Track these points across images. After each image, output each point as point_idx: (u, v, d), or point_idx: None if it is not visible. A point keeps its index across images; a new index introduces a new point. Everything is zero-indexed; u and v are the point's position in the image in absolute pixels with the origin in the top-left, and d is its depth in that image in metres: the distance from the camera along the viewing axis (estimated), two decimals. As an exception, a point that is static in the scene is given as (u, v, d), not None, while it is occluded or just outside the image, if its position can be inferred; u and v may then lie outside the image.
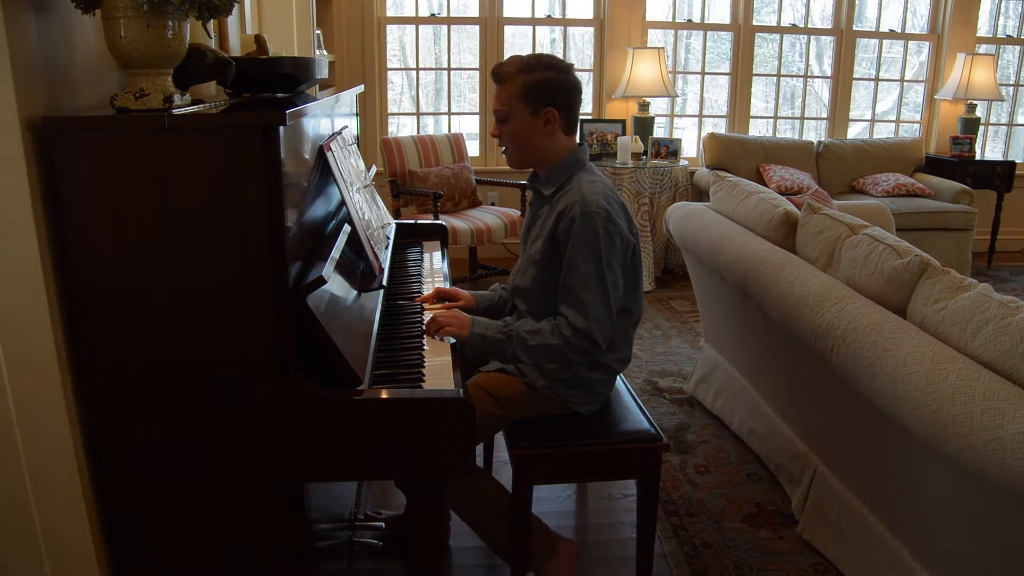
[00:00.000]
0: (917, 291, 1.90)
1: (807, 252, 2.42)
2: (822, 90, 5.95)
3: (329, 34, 4.73)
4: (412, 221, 2.85)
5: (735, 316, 2.81)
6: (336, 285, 1.63)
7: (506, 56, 2.16)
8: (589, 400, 1.99)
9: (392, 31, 5.40)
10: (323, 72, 2.00)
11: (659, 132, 5.44)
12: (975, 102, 5.56)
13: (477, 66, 5.44)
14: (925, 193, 5.08)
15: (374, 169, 2.71)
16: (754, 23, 5.56)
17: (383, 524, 2.19)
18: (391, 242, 2.33)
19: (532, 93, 1.85)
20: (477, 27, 5.34)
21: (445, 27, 5.40)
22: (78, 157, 1.31)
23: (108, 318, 1.38)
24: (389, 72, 5.36)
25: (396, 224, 2.64)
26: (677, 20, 5.59)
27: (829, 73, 5.79)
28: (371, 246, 1.93)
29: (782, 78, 5.82)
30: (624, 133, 5.27)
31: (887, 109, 6.14)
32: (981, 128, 5.74)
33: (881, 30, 5.81)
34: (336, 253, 1.66)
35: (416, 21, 5.37)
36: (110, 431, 1.44)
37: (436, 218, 4.18)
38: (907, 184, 5.10)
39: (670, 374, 3.55)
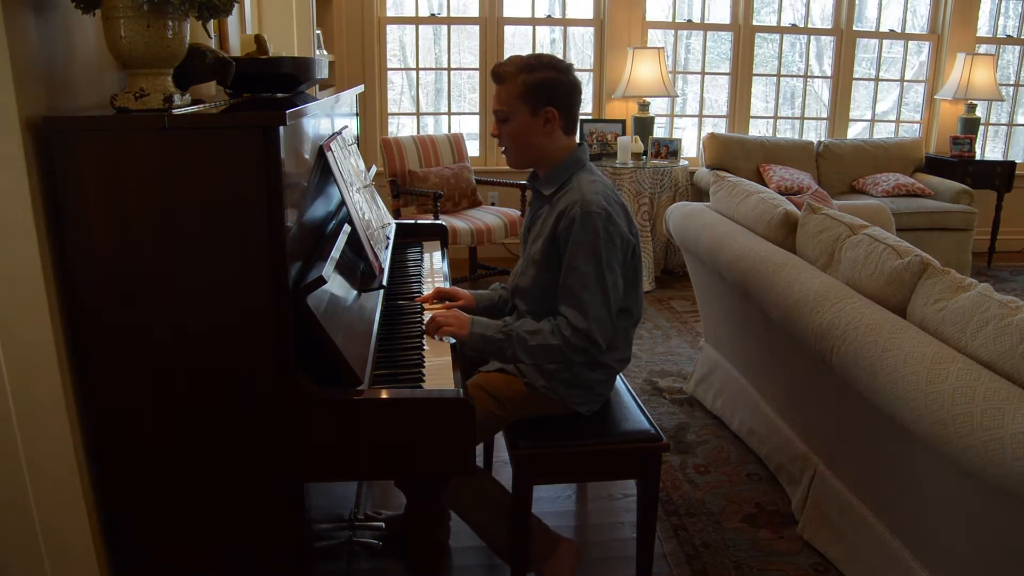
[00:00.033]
0: (917, 291, 1.90)
1: (807, 252, 2.42)
2: (822, 90, 5.95)
3: (329, 34, 4.73)
4: (412, 221, 2.85)
5: (735, 316, 2.81)
6: (336, 285, 1.63)
7: (506, 56, 2.16)
8: (589, 400, 1.99)
9: (392, 31, 5.40)
10: (323, 72, 2.00)
11: (659, 132, 5.44)
12: (975, 102, 5.56)
13: (477, 66, 5.44)
14: (925, 193, 5.08)
15: (374, 169, 2.71)
16: (754, 23, 5.56)
17: (383, 524, 2.19)
18: (391, 242, 2.33)
19: (532, 93, 1.85)
20: (477, 27, 5.35)
21: (445, 27, 5.40)
22: (78, 157, 1.31)
23: (108, 318, 1.37)
24: (389, 72, 5.36)
25: (396, 224, 2.64)
26: (677, 20, 5.59)
27: (829, 73, 5.79)
28: (371, 246, 1.93)
29: (782, 78, 5.82)
30: (624, 133, 5.27)
31: (887, 109, 6.14)
32: (981, 128, 5.74)
33: (881, 30, 5.81)
34: (336, 253, 1.66)
35: (416, 21, 5.37)
36: (110, 431, 1.44)
37: (436, 218, 4.18)
38: (907, 184, 5.10)
39: (670, 374, 3.55)
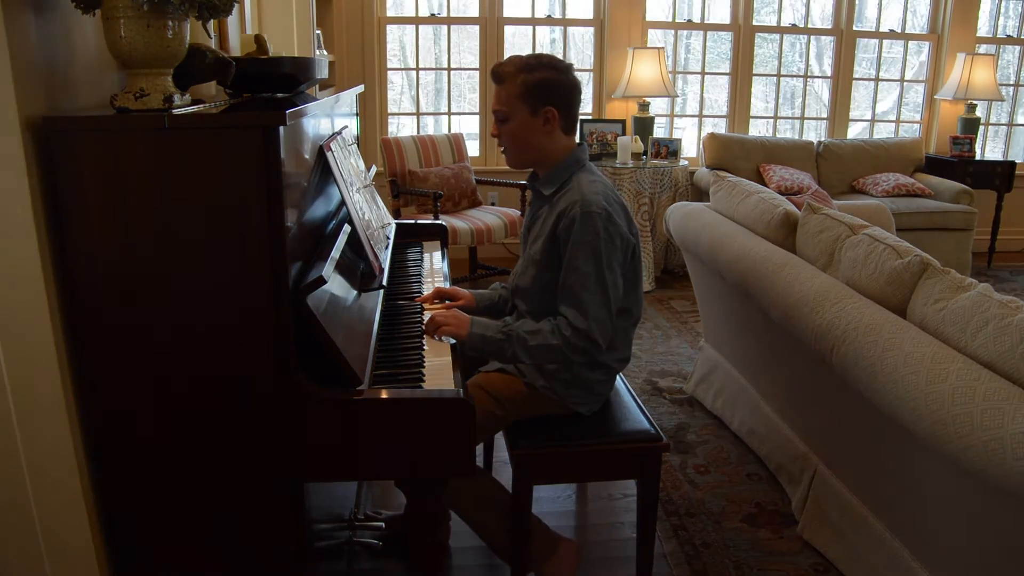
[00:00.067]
0: (917, 291, 1.90)
1: (807, 252, 2.42)
2: (822, 90, 5.95)
3: (329, 34, 4.73)
4: (412, 221, 2.85)
5: (735, 316, 2.81)
6: (336, 285, 1.63)
7: (506, 56, 2.16)
8: (589, 400, 1.99)
9: (392, 31, 5.40)
10: (323, 72, 2.00)
11: (659, 132, 5.44)
12: (975, 102, 5.56)
13: (477, 66, 5.44)
14: (925, 193, 5.08)
15: (374, 169, 2.71)
16: (754, 23, 5.56)
17: (383, 524, 2.19)
18: (391, 242, 2.33)
19: (531, 93, 1.85)
20: (477, 27, 5.35)
21: (445, 27, 5.40)
22: (78, 157, 1.31)
23: (108, 318, 1.38)
24: (389, 72, 5.36)
25: (396, 224, 2.64)
26: (677, 20, 5.59)
27: (829, 73, 5.79)
28: (371, 246, 1.93)
29: (782, 78, 5.82)
30: (624, 133, 5.27)
31: (887, 109, 6.14)
32: (981, 128, 5.74)
33: (881, 30, 5.81)
34: (336, 253, 1.66)
35: (416, 21, 5.37)
36: (110, 431, 1.44)
37: (436, 218, 4.18)
38: (907, 184, 5.10)
39: (670, 374, 3.55)
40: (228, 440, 1.46)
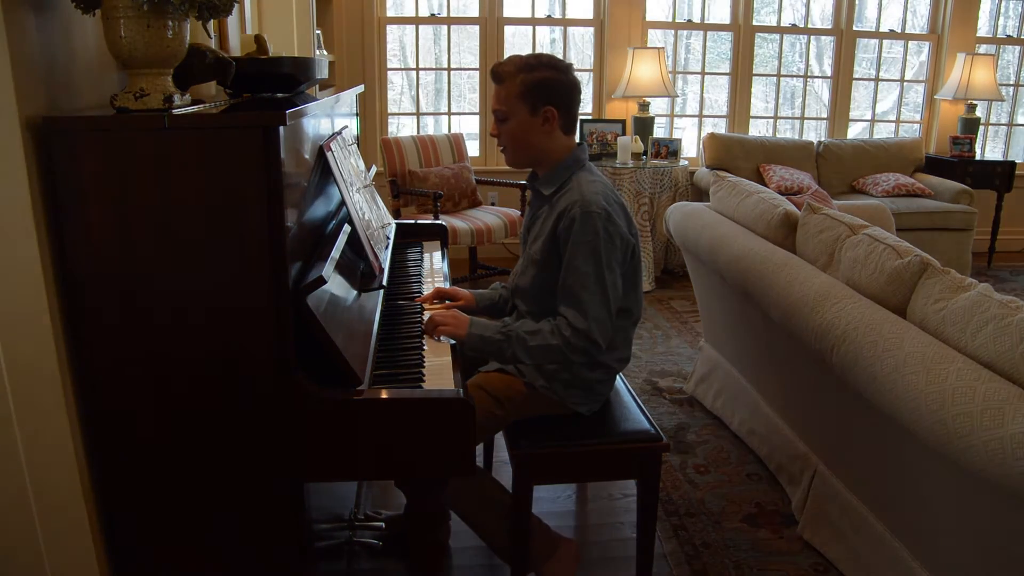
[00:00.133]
0: (917, 291, 1.90)
1: (807, 252, 2.42)
2: (822, 90, 5.95)
3: (329, 34, 4.73)
4: (412, 221, 2.85)
5: (735, 316, 2.81)
6: (336, 285, 1.63)
7: (506, 56, 2.16)
8: (589, 400, 1.99)
9: (392, 31, 5.40)
10: (323, 72, 2.00)
11: (659, 132, 5.44)
12: (975, 102, 5.56)
13: (477, 66, 5.44)
14: (925, 193, 5.08)
15: (374, 169, 2.71)
16: (754, 23, 5.56)
17: (383, 524, 2.19)
18: (391, 242, 2.33)
19: (531, 92, 1.85)
20: (477, 27, 5.35)
21: (445, 27, 5.40)
22: (78, 157, 1.31)
23: (108, 318, 1.37)
24: (389, 72, 5.37)
25: (396, 224, 2.64)
26: (677, 20, 5.59)
27: (829, 73, 5.79)
28: (371, 246, 1.93)
29: (782, 78, 5.82)
30: (624, 133, 5.27)
31: (887, 109, 6.14)
32: (981, 128, 5.74)
33: (881, 30, 5.81)
34: (336, 253, 1.66)
35: (416, 21, 5.37)
36: (110, 431, 1.44)
37: (436, 218, 4.18)
38: (907, 184, 5.10)
39: (670, 374, 3.55)
40: (228, 440, 1.46)
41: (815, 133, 5.88)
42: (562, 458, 1.91)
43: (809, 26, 5.76)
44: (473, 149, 5.40)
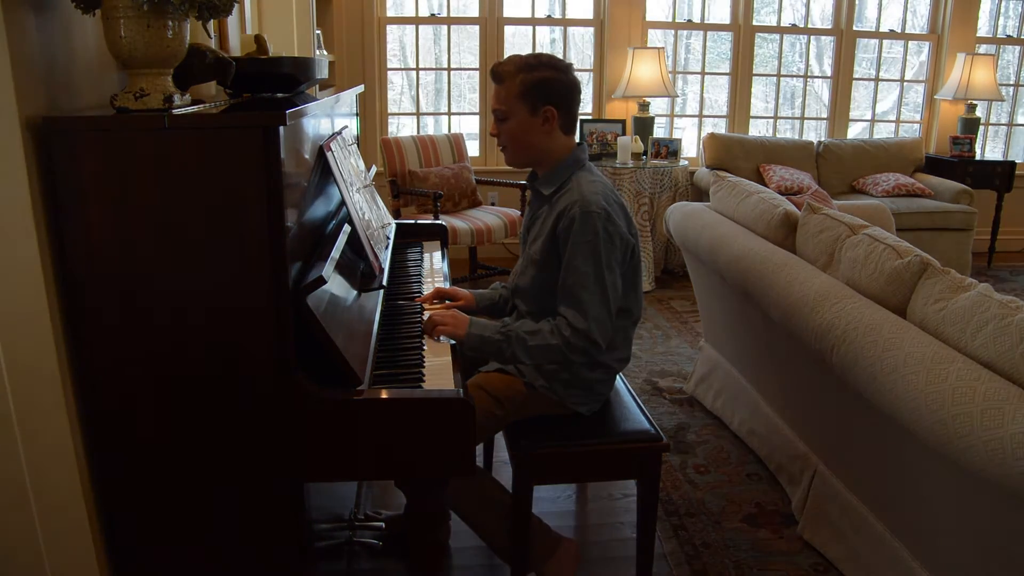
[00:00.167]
0: (917, 291, 1.90)
1: (807, 252, 2.42)
2: (822, 90, 5.95)
3: (329, 34, 4.73)
4: (412, 221, 2.85)
5: (735, 316, 2.81)
6: (336, 285, 1.63)
7: (506, 56, 2.16)
8: (589, 400, 1.99)
9: (392, 31, 5.40)
10: (323, 72, 2.00)
11: (659, 132, 5.44)
12: (975, 102, 5.56)
13: (477, 66, 5.44)
14: (925, 193, 5.08)
15: (374, 169, 2.71)
16: (754, 23, 5.56)
17: (383, 524, 2.19)
18: (391, 242, 2.33)
19: (531, 92, 1.85)
20: (477, 27, 5.35)
21: (445, 27, 5.40)
22: (78, 157, 1.31)
23: (108, 318, 1.37)
24: (389, 72, 5.37)
25: (396, 224, 2.64)
26: (677, 20, 5.59)
27: (829, 73, 5.79)
28: (371, 246, 1.93)
29: (782, 78, 5.82)
30: (624, 133, 5.27)
31: (887, 109, 6.14)
32: (981, 128, 5.74)
33: (881, 30, 5.81)
34: (336, 253, 1.66)
35: (416, 21, 5.37)
36: (110, 431, 1.44)
37: (436, 218, 4.18)
38: (907, 184, 5.10)
39: (670, 374, 3.55)
40: (228, 440, 1.46)
41: (815, 133, 5.88)
42: (562, 458, 1.91)
43: (809, 26, 5.76)
44: (473, 149, 5.40)
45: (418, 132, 5.51)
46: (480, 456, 2.55)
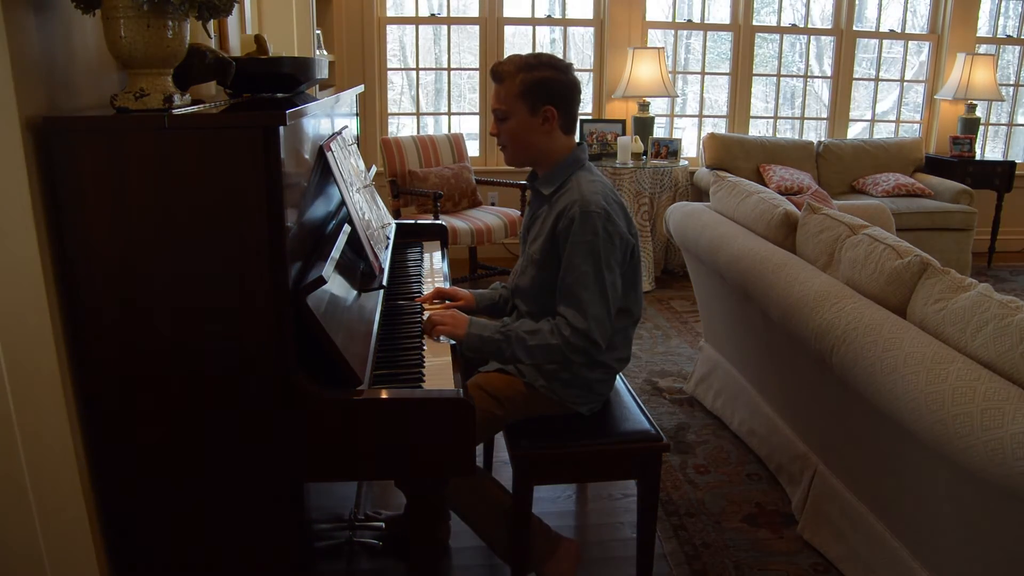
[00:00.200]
0: (917, 291, 1.90)
1: (807, 252, 2.42)
2: (822, 90, 5.95)
3: (329, 34, 4.73)
4: (412, 221, 2.85)
5: (735, 316, 2.81)
6: (336, 285, 1.63)
7: (506, 56, 2.16)
8: (589, 400, 1.99)
9: (392, 31, 5.40)
10: (323, 72, 2.00)
11: (659, 132, 5.44)
12: (975, 102, 5.56)
13: (477, 66, 5.44)
14: (925, 193, 5.08)
15: (374, 169, 2.71)
16: (754, 23, 5.56)
17: (383, 524, 2.19)
18: (391, 242, 2.33)
19: (531, 92, 1.85)
20: (477, 27, 5.35)
21: (445, 27, 5.40)
22: (78, 157, 1.31)
23: (108, 318, 1.38)
24: (389, 72, 5.36)
25: (396, 224, 2.64)
26: (677, 20, 5.59)
27: (829, 73, 5.79)
28: (371, 246, 1.93)
29: (782, 78, 5.82)
30: (624, 133, 5.27)
31: (887, 109, 6.14)
32: (981, 128, 5.74)
33: (881, 30, 5.81)
34: (336, 253, 1.66)
35: (416, 21, 5.37)
36: (110, 431, 1.44)
37: (436, 218, 4.18)
38: (907, 184, 5.10)
39: (670, 374, 3.55)
40: (228, 440, 1.46)
41: (815, 133, 5.88)
42: (562, 458, 1.91)
43: (809, 26, 5.76)
44: (473, 149, 5.40)
45: (418, 132, 5.51)
46: (480, 456, 2.55)
